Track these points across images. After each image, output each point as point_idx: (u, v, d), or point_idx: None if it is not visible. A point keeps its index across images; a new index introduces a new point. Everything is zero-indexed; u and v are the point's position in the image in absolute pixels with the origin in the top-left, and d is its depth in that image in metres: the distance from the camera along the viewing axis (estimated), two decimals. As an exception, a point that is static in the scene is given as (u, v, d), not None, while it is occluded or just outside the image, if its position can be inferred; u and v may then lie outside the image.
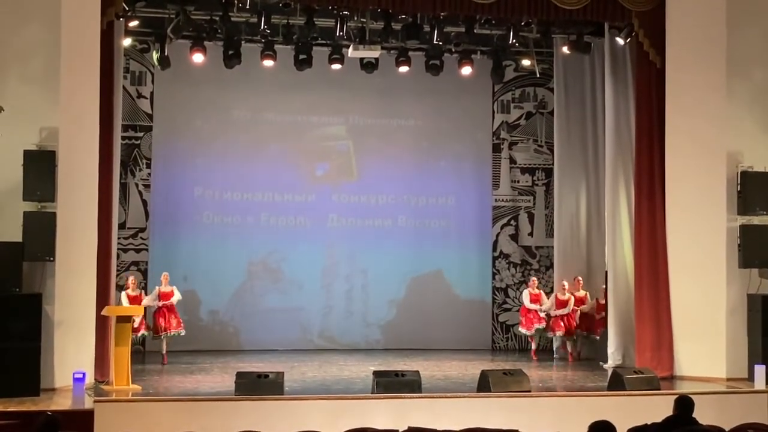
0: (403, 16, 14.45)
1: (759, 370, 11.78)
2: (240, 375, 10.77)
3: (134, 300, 13.93)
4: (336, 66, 15.37)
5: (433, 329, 16.16)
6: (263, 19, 13.88)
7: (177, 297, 14.24)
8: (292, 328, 15.84)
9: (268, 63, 15.11)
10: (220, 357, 14.40)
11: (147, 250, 15.80)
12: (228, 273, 15.47)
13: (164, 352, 14.13)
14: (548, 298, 15.37)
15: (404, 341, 16.18)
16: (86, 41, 11.60)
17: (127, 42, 14.03)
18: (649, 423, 7.63)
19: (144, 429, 9.83)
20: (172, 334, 14.09)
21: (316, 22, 14.30)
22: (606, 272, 14.68)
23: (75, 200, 11.41)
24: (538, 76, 16.50)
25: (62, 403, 10.37)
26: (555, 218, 16.24)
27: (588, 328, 15.25)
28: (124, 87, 14.43)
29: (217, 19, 14.20)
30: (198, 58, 14.80)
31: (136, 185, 15.87)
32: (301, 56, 15.09)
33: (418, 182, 16.92)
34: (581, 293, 15.36)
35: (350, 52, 14.83)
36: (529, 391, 11.13)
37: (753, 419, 9.73)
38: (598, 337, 14.94)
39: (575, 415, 10.64)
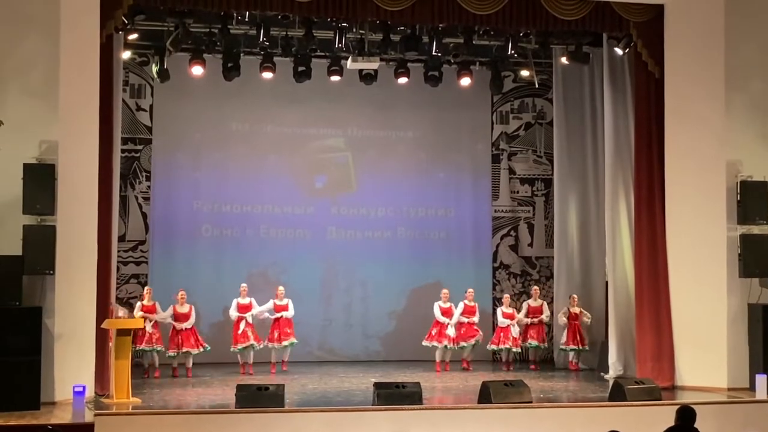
0: (402, 28, 14.48)
1: (760, 379, 11.77)
2: (240, 388, 10.75)
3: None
4: (335, 78, 15.39)
5: (433, 340, 16.10)
6: (262, 31, 13.90)
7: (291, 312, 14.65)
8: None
9: (267, 75, 15.12)
10: (220, 369, 14.36)
11: (147, 262, 15.79)
12: (228, 286, 15.42)
13: (274, 360, 14.52)
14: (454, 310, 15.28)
15: (405, 353, 16.12)
16: (85, 54, 11.62)
17: (126, 55, 14.06)
18: (651, 433, 7.63)
19: (144, 442, 9.84)
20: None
21: (315, 34, 14.30)
22: (606, 282, 14.69)
23: (75, 213, 11.41)
24: (537, 86, 16.51)
25: (63, 416, 10.37)
26: (555, 228, 16.24)
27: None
28: (123, 100, 14.45)
29: (216, 31, 14.21)
30: (197, 70, 14.81)
31: (136, 198, 15.86)
32: (300, 68, 15.11)
33: (418, 194, 16.92)
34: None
35: (349, 63, 14.85)
36: (531, 402, 11.11)
37: (755, 429, 9.73)
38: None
39: (577, 426, 10.68)
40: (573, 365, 15.24)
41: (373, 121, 16.82)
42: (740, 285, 12.78)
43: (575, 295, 15.42)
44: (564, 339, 15.27)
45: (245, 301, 14.46)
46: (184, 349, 14.03)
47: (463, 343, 15.11)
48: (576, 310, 15.22)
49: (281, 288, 14.68)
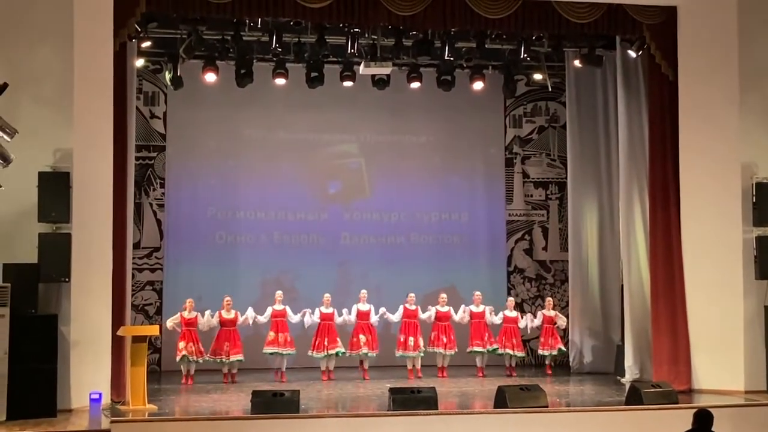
0: (414, 33, 14.49)
1: (778, 382, 11.74)
2: (256, 394, 10.76)
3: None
4: (347, 83, 15.41)
5: (448, 345, 16.06)
6: (274, 37, 13.93)
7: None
8: (307, 346, 15.77)
9: (280, 81, 15.17)
10: (236, 376, 14.36)
11: (162, 269, 15.84)
12: (242, 292, 15.45)
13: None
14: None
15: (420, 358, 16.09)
16: (99, 62, 11.66)
17: (139, 63, 14.10)
18: (668, 437, 7.61)
19: (161, 449, 9.85)
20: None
21: (327, 40, 14.35)
22: (622, 285, 14.64)
23: (90, 221, 11.45)
24: (549, 90, 16.51)
25: (79, 423, 10.37)
26: (569, 232, 16.19)
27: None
28: (137, 107, 14.47)
29: (229, 38, 14.27)
30: (210, 77, 14.86)
31: (150, 205, 15.92)
32: (313, 74, 15.13)
33: (431, 198, 16.91)
34: (479, 309, 15.14)
35: (362, 69, 14.85)
36: (547, 407, 11.07)
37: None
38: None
39: (594, 431, 10.63)
40: (548, 369, 15.10)
41: (386, 126, 16.83)
42: (756, 287, 12.72)
43: (550, 298, 15.53)
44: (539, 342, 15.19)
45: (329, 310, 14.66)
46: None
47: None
48: (551, 313, 15.17)
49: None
